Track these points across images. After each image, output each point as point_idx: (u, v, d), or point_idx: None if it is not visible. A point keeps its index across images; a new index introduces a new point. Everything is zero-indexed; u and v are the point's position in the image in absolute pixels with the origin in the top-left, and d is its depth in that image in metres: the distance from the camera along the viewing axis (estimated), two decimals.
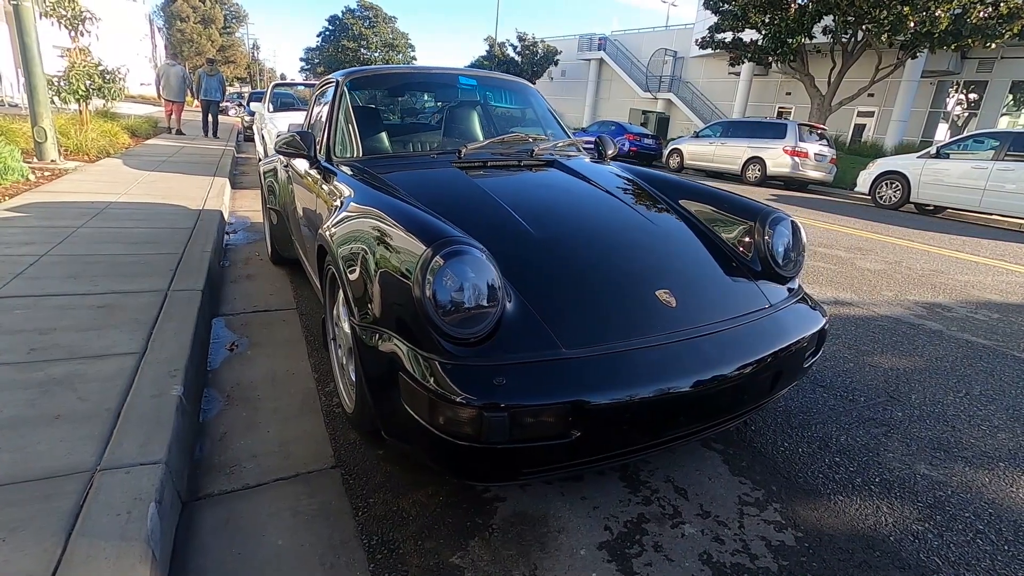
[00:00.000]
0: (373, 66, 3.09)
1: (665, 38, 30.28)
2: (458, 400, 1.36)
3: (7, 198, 4.78)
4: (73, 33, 10.37)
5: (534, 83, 33.45)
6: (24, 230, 3.85)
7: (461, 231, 1.68)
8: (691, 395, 1.55)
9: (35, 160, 6.59)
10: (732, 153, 14.57)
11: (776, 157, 13.47)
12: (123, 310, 2.63)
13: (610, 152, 3.24)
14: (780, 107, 25.19)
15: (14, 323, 2.39)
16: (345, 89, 2.80)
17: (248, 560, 1.46)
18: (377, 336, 1.60)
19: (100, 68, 10.58)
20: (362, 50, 51.85)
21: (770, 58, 17.74)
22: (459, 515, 1.64)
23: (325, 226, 2.03)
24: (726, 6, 17.58)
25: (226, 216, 5.46)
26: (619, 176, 2.64)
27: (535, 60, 32.49)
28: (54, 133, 6.70)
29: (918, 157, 10.45)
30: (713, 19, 18.64)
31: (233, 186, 7.36)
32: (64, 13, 10.04)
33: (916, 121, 21.50)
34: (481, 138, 2.83)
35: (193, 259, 3.53)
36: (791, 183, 13.73)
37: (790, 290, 2.05)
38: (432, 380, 1.41)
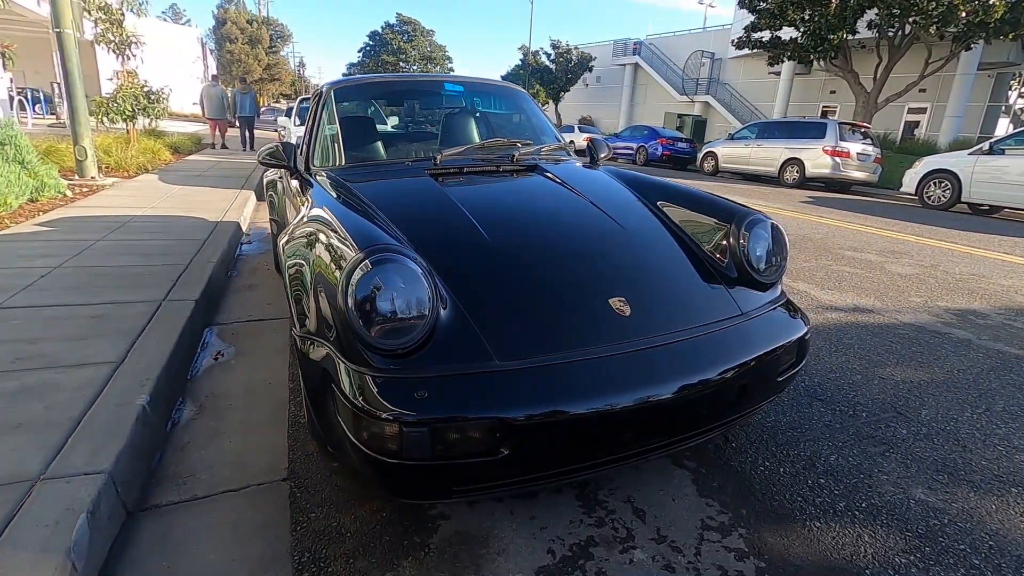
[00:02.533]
0: (360, 75, 3.10)
1: (702, 40, 29.69)
2: (378, 415, 1.31)
3: (41, 213, 5.05)
4: (121, 57, 10.98)
5: (568, 90, 33.45)
6: (46, 243, 4.04)
7: (399, 240, 1.65)
8: (638, 410, 1.44)
9: (76, 177, 6.96)
10: (769, 155, 14.09)
11: (815, 158, 12.94)
12: (114, 320, 2.70)
13: (603, 156, 3.14)
14: (824, 106, 24.24)
15: (7, 333, 2.48)
16: (329, 98, 2.82)
17: (175, 574, 1.44)
18: (313, 345, 1.57)
19: (145, 89, 11.15)
20: (401, 63, 53.04)
21: (811, 56, 17.10)
22: (398, 533, 1.58)
23: (281, 234, 2.02)
24: (763, 4, 17.06)
25: (244, 227, 5.61)
26: (600, 180, 2.55)
27: (569, 67, 32.42)
28: (93, 151, 7.07)
29: (969, 154, 9.80)
30: (750, 18, 18.14)
31: (259, 198, 7.59)
32: (112, 39, 10.62)
33: (973, 116, 20.27)
34: (465, 144, 2.79)
35: (196, 270, 3.62)
36: (832, 184, 13.15)
37: (770, 298, 1.91)
38: (354, 393, 1.37)
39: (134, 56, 11.13)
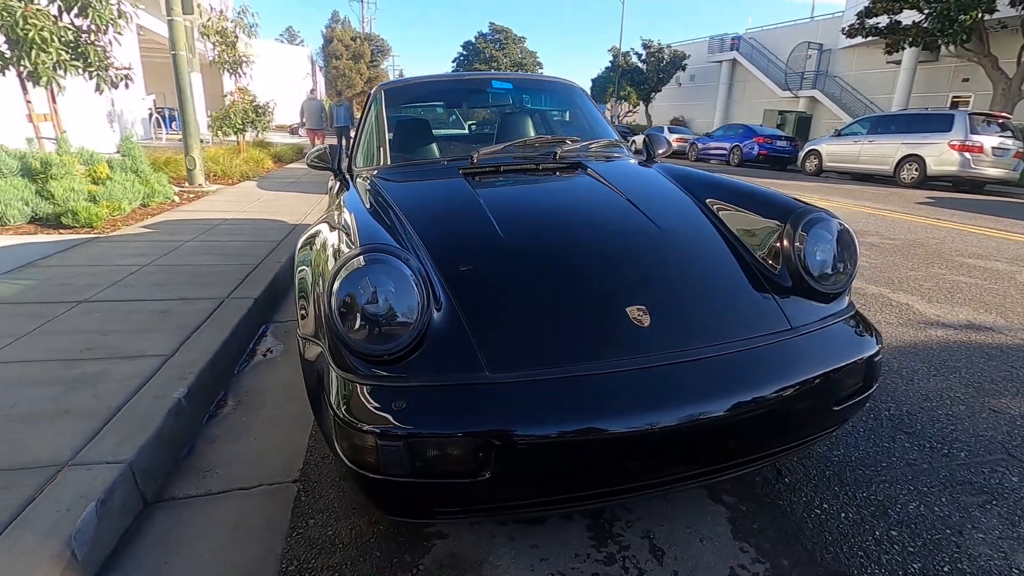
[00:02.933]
0: (412, 76, 3.09)
1: (809, 31, 27.53)
2: (356, 425, 1.23)
3: (149, 216, 5.59)
4: (234, 76, 12.05)
5: (659, 90, 32.40)
6: (143, 243, 4.45)
7: (410, 243, 1.59)
8: (647, 436, 1.26)
9: (186, 184, 7.68)
10: (882, 152, 12.71)
11: (939, 154, 11.49)
12: (179, 316, 2.87)
13: (660, 151, 2.90)
14: (955, 96, 21.53)
15: (86, 324, 2.71)
16: (376, 99, 2.83)
17: (171, 569, 1.45)
18: (310, 347, 1.53)
19: (254, 104, 12.16)
20: (493, 71, 54.14)
21: (939, 41, 15.25)
22: (390, 550, 1.49)
23: (303, 235, 2.02)
24: None
25: None
26: (646, 177, 2.33)
27: (661, 67, 31.39)
28: (201, 161, 7.76)
29: None
30: (864, 2, 16.54)
31: None
32: (227, 59, 11.68)
33: None
34: (511, 140, 2.68)
35: (264, 270, 3.80)
36: (960, 183, 11.60)
37: (833, 311, 1.62)
38: (338, 400, 1.30)
39: (245, 74, 12.18)
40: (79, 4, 5.56)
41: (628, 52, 33.21)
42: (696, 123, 32.25)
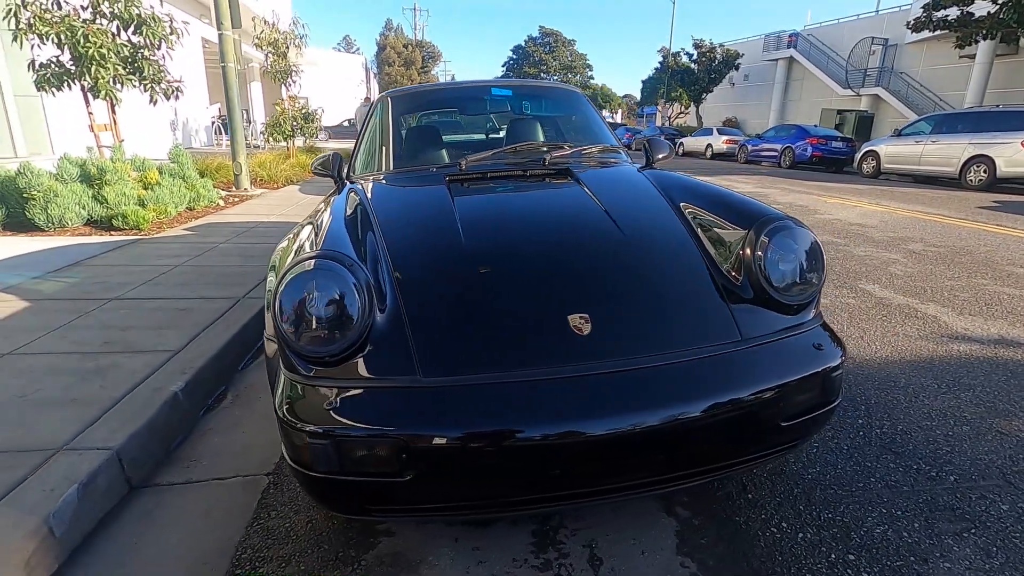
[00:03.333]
0: (414, 85, 3.17)
1: (873, 25, 26.13)
2: (291, 422, 1.30)
3: (193, 219, 5.95)
4: (284, 85, 12.61)
5: (711, 91, 31.57)
6: (181, 245, 4.74)
7: (376, 250, 1.65)
8: (571, 445, 1.26)
9: (233, 188, 8.11)
10: (947, 152, 11.91)
11: (1012, 154, 10.66)
12: (196, 313, 3.06)
13: (660, 156, 2.85)
14: None
15: (111, 320, 2.93)
16: (376, 108, 2.92)
17: (137, 553, 1.56)
18: (269, 346, 1.61)
19: (303, 111, 12.69)
20: (542, 75, 54.21)
21: (1017, 32, 14.19)
22: (338, 544, 1.55)
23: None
24: None
25: None
26: (628, 183, 2.31)
27: (713, 66, 30.57)
28: (247, 167, 8.18)
29: None
30: None
31: None
32: (278, 69, 12.24)
33: None
34: (504, 147, 2.71)
35: None
36: None
37: (793, 323, 1.56)
38: (280, 398, 1.38)
39: (295, 83, 12.74)
40: (135, 23, 5.98)
41: (678, 52, 32.55)
42: (749, 124, 31.22)
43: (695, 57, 31.22)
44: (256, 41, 12.04)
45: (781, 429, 1.42)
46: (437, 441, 1.24)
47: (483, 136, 2.91)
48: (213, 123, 19.12)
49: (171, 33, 6.37)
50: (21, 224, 5.10)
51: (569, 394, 1.31)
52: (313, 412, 1.30)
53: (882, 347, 2.85)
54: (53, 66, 5.88)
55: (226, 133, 20.36)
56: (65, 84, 5.89)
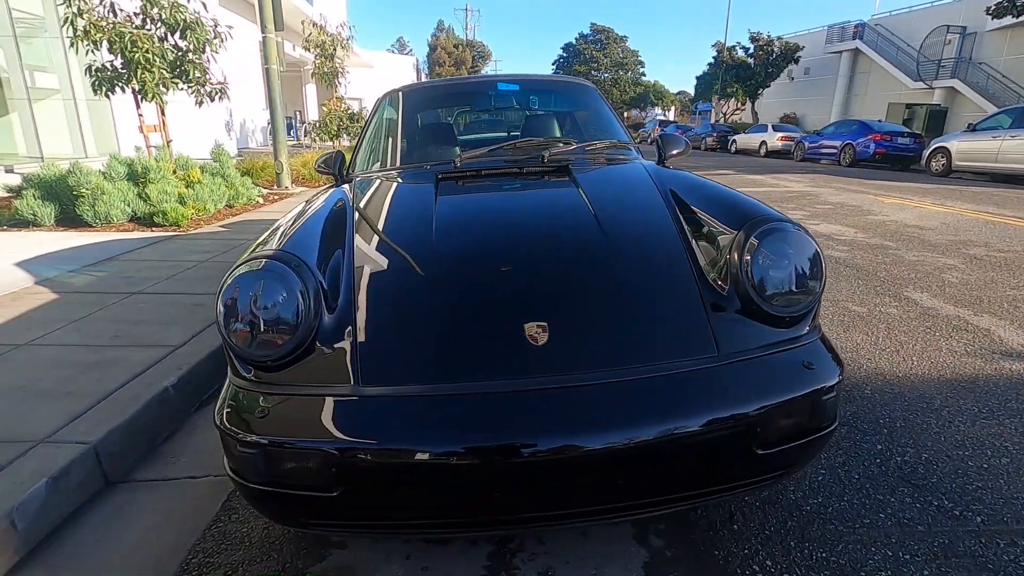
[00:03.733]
0: (420, 81, 3.12)
1: (949, 13, 24.31)
2: (225, 428, 1.26)
3: (230, 216, 6.14)
4: (330, 86, 12.94)
5: (768, 86, 30.26)
6: (212, 241, 4.89)
7: (334, 251, 1.58)
8: (509, 466, 1.15)
9: (274, 187, 8.35)
10: None
11: None
12: (207, 309, 3.11)
13: (674, 153, 2.69)
14: None
15: (127, 314, 3.02)
16: (382, 105, 2.88)
17: (97, 550, 1.56)
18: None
19: (348, 112, 12.97)
20: (592, 72, 53.56)
21: None
22: (288, 553, 1.50)
23: None
24: None
25: None
26: (626, 181, 2.16)
27: (770, 60, 29.28)
28: (288, 166, 8.40)
29: None
30: None
31: None
32: (325, 71, 12.56)
33: None
34: (504, 143, 2.61)
35: None
36: None
37: (782, 337, 1.39)
38: (221, 402, 1.34)
39: (340, 84, 13.05)
40: (181, 27, 6.24)
41: (734, 47, 31.37)
42: (809, 120, 29.75)
43: (751, 51, 29.99)
44: (305, 44, 12.40)
45: (758, 458, 1.26)
46: (365, 456, 1.16)
47: (486, 132, 2.81)
48: (269, 124, 19.87)
49: (215, 37, 6.60)
50: (72, 220, 5.40)
51: (512, 409, 1.20)
52: (246, 419, 1.24)
53: (920, 363, 2.57)
54: (107, 70, 6.20)
55: (287, 133, 21.21)
56: (117, 87, 6.20)
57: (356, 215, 1.90)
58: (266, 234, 1.76)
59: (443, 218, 1.81)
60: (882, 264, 4.39)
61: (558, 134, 2.78)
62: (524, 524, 1.30)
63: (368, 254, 1.65)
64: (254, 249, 1.54)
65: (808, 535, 1.50)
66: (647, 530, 1.53)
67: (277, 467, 1.21)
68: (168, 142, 6.90)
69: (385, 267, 1.61)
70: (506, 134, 2.76)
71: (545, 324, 1.35)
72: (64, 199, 5.43)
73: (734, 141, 23.08)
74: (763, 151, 20.76)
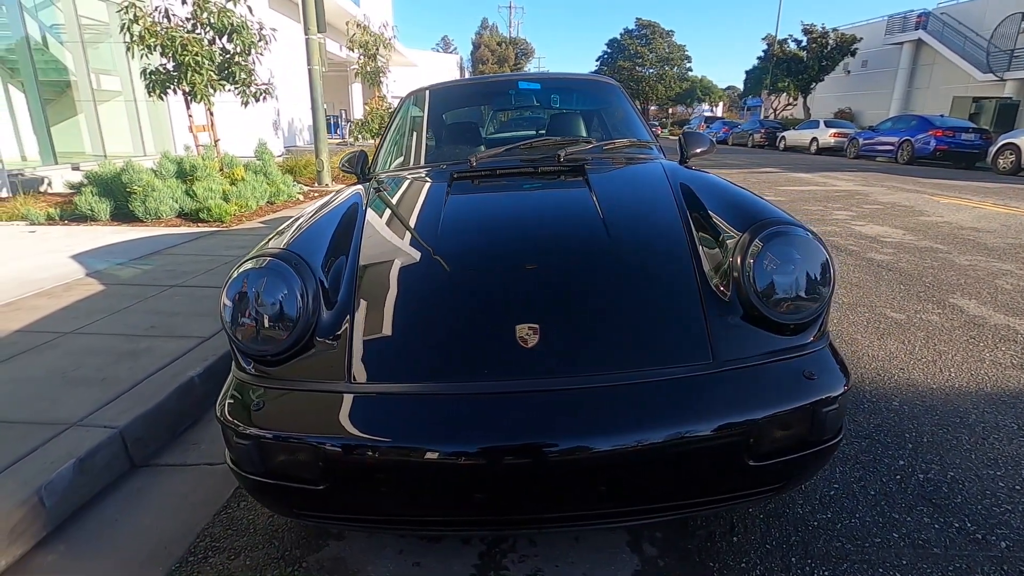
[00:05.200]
0: (443, 81, 3.14)
1: None
2: (224, 419, 1.31)
3: (271, 213, 6.37)
4: (372, 85, 13.20)
5: (821, 80, 29.03)
6: (253, 237, 5.08)
7: (344, 250, 1.63)
8: (489, 468, 1.16)
9: (315, 184, 8.60)
10: None
11: None
12: None
13: (699, 150, 2.62)
14: None
15: (165, 306, 3.18)
16: (404, 105, 2.92)
17: (115, 529, 1.65)
18: None
19: (390, 110, 13.21)
20: (637, 68, 52.71)
21: None
22: (288, 542, 1.55)
23: None
24: None
25: None
26: (646, 184, 2.11)
27: (824, 53, 28.08)
28: (328, 164, 8.63)
29: None
30: None
31: None
32: (367, 71, 12.83)
33: None
34: (525, 141, 2.61)
35: None
36: None
37: (785, 345, 1.34)
38: (222, 394, 1.39)
39: (382, 83, 13.29)
40: (228, 31, 6.49)
41: (785, 39, 30.25)
42: (866, 116, 28.38)
43: (804, 44, 28.84)
44: (349, 44, 12.69)
45: (751, 469, 1.22)
46: (350, 451, 1.19)
47: (508, 132, 2.81)
48: None
49: (259, 40, 6.85)
50: (125, 215, 5.71)
51: (493, 410, 1.20)
52: (242, 411, 1.29)
53: (958, 375, 2.42)
54: (160, 73, 6.53)
55: (331, 132, 21.78)
56: (169, 89, 6.52)
57: (367, 214, 1.94)
58: (278, 230, 1.82)
59: (449, 218, 1.83)
60: (929, 268, 4.16)
61: (582, 133, 2.76)
62: (504, 526, 1.30)
63: (372, 253, 1.68)
64: (263, 246, 1.60)
65: (812, 552, 1.45)
66: (641, 537, 1.51)
67: (269, 459, 1.25)
68: (216, 141, 7.20)
69: (387, 266, 1.64)
70: (526, 133, 2.75)
71: (537, 326, 1.34)
72: (118, 195, 5.75)
73: (783, 138, 22.27)
74: (814, 148, 19.94)
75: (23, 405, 2.07)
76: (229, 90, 6.91)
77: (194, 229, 5.41)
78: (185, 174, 6.11)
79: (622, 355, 1.31)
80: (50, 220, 5.60)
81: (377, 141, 13.19)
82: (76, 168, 8.04)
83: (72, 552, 1.56)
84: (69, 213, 5.73)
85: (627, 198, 1.98)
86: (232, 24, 6.53)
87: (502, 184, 2.24)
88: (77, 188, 6.31)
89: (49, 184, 7.56)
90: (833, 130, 19.47)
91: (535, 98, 2.93)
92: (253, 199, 6.29)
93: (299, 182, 8.13)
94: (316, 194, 8.01)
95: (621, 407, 1.21)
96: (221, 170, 6.53)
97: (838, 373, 1.31)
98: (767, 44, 31.28)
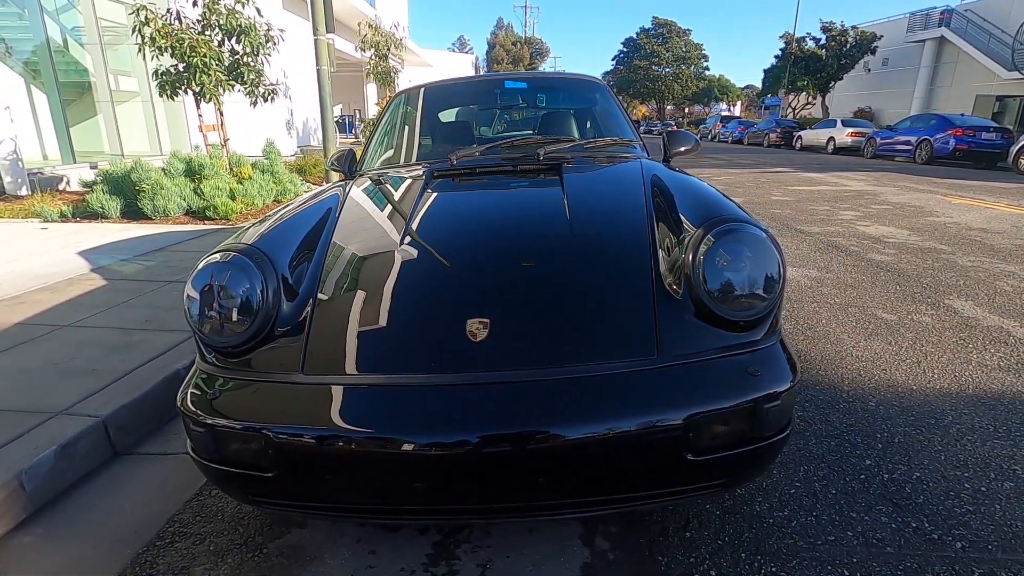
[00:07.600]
0: (431, 81, 3.17)
1: None
2: (182, 407, 1.36)
3: None
4: (384, 85, 13.32)
5: (840, 78, 28.59)
6: None
7: (315, 245, 1.67)
8: (435, 458, 1.19)
9: (324, 183, 8.71)
10: None
11: None
12: None
13: (682, 149, 2.62)
14: None
15: (162, 301, 3.26)
16: (391, 104, 2.96)
17: (91, 514, 1.71)
18: None
19: None
20: (653, 67, 52.38)
21: None
22: (252, 529, 1.60)
23: None
24: None
25: None
26: (619, 182, 2.13)
27: (843, 51, 27.64)
28: None
29: None
30: None
31: None
32: (378, 71, 12.95)
33: None
34: (501, 140, 2.64)
35: None
36: None
37: (732, 342, 1.35)
38: (185, 383, 1.44)
39: (394, 83, 13.40)
40: (237, 32, 6.61)
41: (803, 38, 29.82)
42: (886, 115, 27.89)
43: (823, 42, 28.41)
44: (360, 44, 12.82)
45: (693, 464, 1.23)
46: (296, 440, 1.23)
47: (492, 130, 2.84)
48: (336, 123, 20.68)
49: (267, 41, 6.96)
50: (135, 213, 5.85)
51: (438, 402, 1.23)
52: (201, 401, 1.34)
53: (941, 376, 2.39)
54: (171, 74, 6.67)
55: (346, 132, 21.98)
56: (179, 89, 6.66)
57: (342, 211, 1.98)
58: (254, 223, 1.87)
59: (420, 215, 1.87)
60: (928, 269, 4.09)
61: (567, 132, 2.78)
62: (450, 515, 1.33)
63: (339, 248, 1.72)
64: (233, 240, 1.65)
65: (763, 548, 1.45)
66: (595, 530, 1.53)
67: (223, 447, 1.30)
68: (225, 140, 7.34)
69: (351, 261, 1.68)
70: (510, 132, 2.78)
71: (487, 321, 1.37)
72: (128, 193, 5.89)
73: (799, 137, 21.97)
74: (831, 147, 19.63)
75: (15, 394, 2.15)
76: (238, 90, 7.03)
77: (200, 227, 5.53)
78: (193, 173, 6.24)
79: (569, 350, 1.33)
80: (63, 218, 5.76)
81: None
82: (94, 167, 8.24)
83: (48, 535, 1.62)
84: (81, 211, 5.89)
85: (597, 197, 2.00)
86: (240, 26, 6.65)
87: (479, 182, 2.27)
88: (90, 186, 6.48)
89: (67, 183, 7.77)
90: (850, 129, 19.15)
91: (521, 97, 2.95)
92: (259, 197, 6.40)
93: (309, 181, 8.25)
94: None
95: (562, 400, 1.23)
96: (230, 169, 6.65)
97: (786, 370, 1.32)
98: (785, 42, 30.86)
